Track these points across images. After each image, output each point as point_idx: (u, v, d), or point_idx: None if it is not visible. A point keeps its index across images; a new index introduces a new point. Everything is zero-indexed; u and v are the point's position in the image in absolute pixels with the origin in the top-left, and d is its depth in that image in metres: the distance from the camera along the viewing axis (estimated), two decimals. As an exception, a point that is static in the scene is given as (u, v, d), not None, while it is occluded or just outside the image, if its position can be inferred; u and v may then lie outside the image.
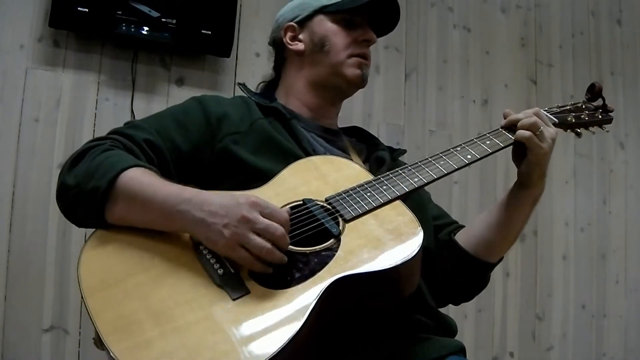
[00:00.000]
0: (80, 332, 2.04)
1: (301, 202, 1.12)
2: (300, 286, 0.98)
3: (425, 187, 1.20)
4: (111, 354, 0.89)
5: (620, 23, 3.19)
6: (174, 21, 2.18)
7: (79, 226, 1.17)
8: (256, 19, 2.45)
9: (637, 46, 3.21)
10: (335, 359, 1.06)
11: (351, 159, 1.29)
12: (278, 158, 1.21)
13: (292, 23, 1.40)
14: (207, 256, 1.02)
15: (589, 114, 1.37)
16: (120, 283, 0.99)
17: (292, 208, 1.10)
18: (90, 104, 2.17)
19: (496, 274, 1.75)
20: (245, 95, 1.39)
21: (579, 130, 1.37)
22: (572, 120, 1.35)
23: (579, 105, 1.39)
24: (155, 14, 2.14)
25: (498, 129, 1.26)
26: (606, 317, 2.93)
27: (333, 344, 1.04)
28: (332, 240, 1.05)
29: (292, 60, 1.41)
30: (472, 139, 1.25)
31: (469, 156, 1.21)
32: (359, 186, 1.14)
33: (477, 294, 1.38)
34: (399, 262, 1.00)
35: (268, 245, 0.99)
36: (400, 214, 1.09)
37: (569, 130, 1.37)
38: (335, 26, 1.37)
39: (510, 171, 2.31)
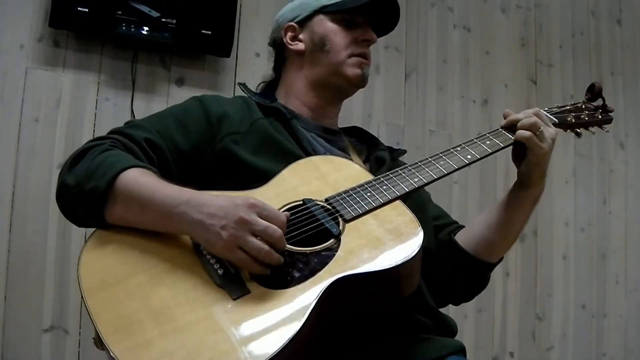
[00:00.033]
0: (80, 332, 2.04)
1: (301, 202, 1.12)
2: (300, 286, 0.98)
3: (425, 187, 1.20)
4: (111, 354, 0.89)
5: (620, 23, 3.19)
6: (174, 21, 2.18)
7: (79, 226, 1.17)
8: (256, 19, 2.45)
9: (637, 46, 3.21)
10: (335, 359, 1.06)
11: (351, 159, 1.29)
12: (278, 158, 1.21)
13: (292, 23, 1.40)
14: (207, 256, 1.02)
15: (588, 114, 1.37)
16: (120, 283, 0.99)
17: (292, 208, 1.11)
18: (90, 104, 2.17)
19: (496, 274, 1.75)
20: (245, 95, 1.39)
21: (578, 130, 1.37)
22: (572, 120, 1.35)
23: (579, 105, 1.39)
24: (155, 14, 2.14)
25: (498, 129, 1.26)
26: (606, 317, 2.93)
27: (333, 344, 1.04)
28: (332, 240, 1.05)
29: (292, 60, 1.41)
30: (472, 139, 1.25)
31: (469, 156, 1.21)
32: (359, 186, 1.14)
33: (477, 294, 1.38)
34: (399, 262, 1.00)
35: (266, 247, 0.99)
36: (400, 214, 1.09)
37: (568, 131, 1.37)
38: (335, 26, 1.37)
39: (510, 171, 2.31)
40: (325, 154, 1.29)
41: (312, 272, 0.99)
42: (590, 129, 1.39)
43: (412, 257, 1.01)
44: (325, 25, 1.37)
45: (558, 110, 1.36)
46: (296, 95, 1.39)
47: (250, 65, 2.42)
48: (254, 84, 1.47)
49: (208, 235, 1.01)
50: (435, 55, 2.78)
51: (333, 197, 1.12)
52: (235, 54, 2.38)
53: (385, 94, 2.65)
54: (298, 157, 1.22)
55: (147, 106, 2.21)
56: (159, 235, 1.06)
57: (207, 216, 1.01)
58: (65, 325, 2.03)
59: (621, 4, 3.21)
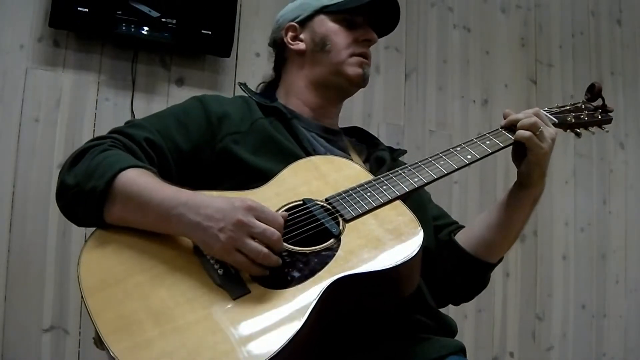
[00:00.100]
0: (80, 332, 2.04)
1: (301, 202, 1.12)
2: (300, 286, 0.98)
3: (425, 187, 1.20)
4: (111, 353, 0.89)
5: (620, 23, 3.19)
6: (174, 21, 2.18)
7: (79, 225, 1.17)
8: (256, 19, 2.45)
9: (637, 46, 3.21)
10: (335, 359, 1.06)
11: (351, 159, 1.29)
12: (278, 158, 1.21)
13: (293, 23, 1.40)
14: (207, 256, 1.02)
15: (588, 114, 1.37)
16: (120, 283, 0.99)
17: (292, 208, 1.11)
18: (90, 104, 2.17)
19: (496, 274, 1.75)
20: (245, 95, 1.39)
21: (578, 131, 1.37)
22: (571, 121, 1.35)
23: (579, 105, 1.39)
24: (155, 14, 2.14)
25: (498, 129, 1.26)
26: (606, 317, 2.93)
27: (333, 344, 1.04)
28: (332, 240, 1.05)
29: (293, 60, 1.41)
30: (472, 139, 1.25)
31: (469, 156, 1.21)
32: (359, 186, 1.14)
33: (477, 294, 1.38)
34: (399, 262, 1.00)
35: (264, 249, 0.99)
36: (400, 214, 1.09)
37: (568, 131, 1.37)
38: (336, 26, 1.37)
39: (510, 171, 2.30)
40: (325, 154, 1.29)
41: (312, 272, 0.99)
42: (590, 129, 1.39)
43: (412, 257, 1.01)
44: (326, 25, 1.37)
45: (558, 110, 1.36)
46: (297, 95, 1.39)
47: (250, 65, 2.42)
48: (254, 84, 1.47)
49: (206, 238, 1.01)
50: (435, 55, 2.78)
51: (333, 197, 1.12)
52: (235, 54, 2.38)
53: (385, 94, 2.65)
54: (298, 157, 1.22)
55: (147, 106, 2.21)
56: (159, 235, 1.06)
57: (205, 218, 1.01)
58: (65, 325, 2.03)
59: (621, 4, 3.21)
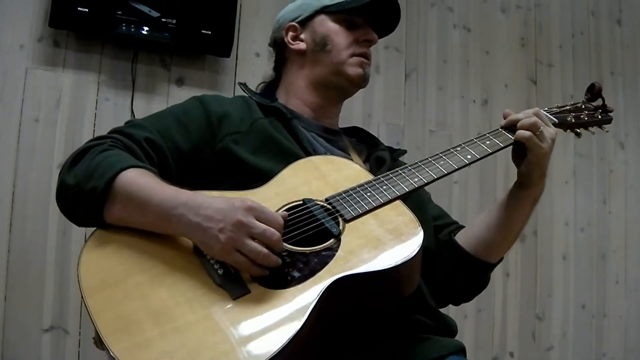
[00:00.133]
0: (80, 332, 2.04)
1: (301, 202, 1.12)
2: (300, 286, 0.98)
3: (425, 187, 1.20)
4: (111, 353, 0.90)
5: (620, 23, 3.19)
6: (174, 21, 2.18)
7: (79, 225, 1.17)
8: (256, 19, 2.45)
9: (637, 46, 3.21)
10: (335, 359, 1.06)
11: (351, 159, 1.29)
12: (278, 158, 1.21)
13: (293, 23, 1.40)
14: (207, 256, 1.02)
15: (588, 114, 1.37)
16: (120, 283, 0.99)
17: (292, 208, 1.11)
18: (90, 104, 2.17)
19: (496, 274, 1.75)
20: (246, 95, 1.39)
21: (578, 131, 1.37)
22: (571, 121, 1.35)
23: (579, 105, 1.39)
24: (155, 14, 2.14)
25: (498, 129, 1.26)
26: (606, 317, 2.93)
27: (333, 344, 1.04)
28: (332, 240, 1.05)
29: (294, 60, 1.41)
30: (472, 139, 1.25)
31: (469, 156, 1.21)
32: (359, 186, 1.14)
33: (477, 294, 1.38)
34: (399, 262, 1.00)
35: (264, 250, 0.99)
36: (400, 214, 1.09)
37: (568, 131, 1.37)
38: (336, 26, 1.37)
39: (510, 171, 2.31)
40: (325, 154, 1.29)
41: (312, 272, 0.99)
42: (590, 129, 1.39)
43: (412, 257, 1.01)
44: (327, 25, 1.37)
45: (558, 110, 1.36)
46: (297, 95, 1.39)
47: (250, 65, 2.42)
48: (254, 84, 1.47)
49: (206, 238, 1.01)
50: (435, 55, 2.78)
51: (333, 197, 1.12)
52: (235, 54, 2.38)
53: (385, 94, 2.65)
54: (298, 157, 1.22)
55: (147, 106, 2.21)
56: (159, 235, 1.06)
57: (205, 219, 1.01)
58: (65, 325, 2.03)
59: (621, 4, 3.21)
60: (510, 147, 1.24)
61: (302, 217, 1.09)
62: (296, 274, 1.00)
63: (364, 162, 1.37)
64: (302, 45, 1.39)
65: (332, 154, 1.30)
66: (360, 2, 1.35)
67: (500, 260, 1.34)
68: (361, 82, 1.37)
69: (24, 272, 2.01)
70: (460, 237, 1.32)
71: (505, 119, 1.26)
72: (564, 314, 2.85)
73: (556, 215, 2.90)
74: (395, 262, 1.00)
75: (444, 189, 2.63)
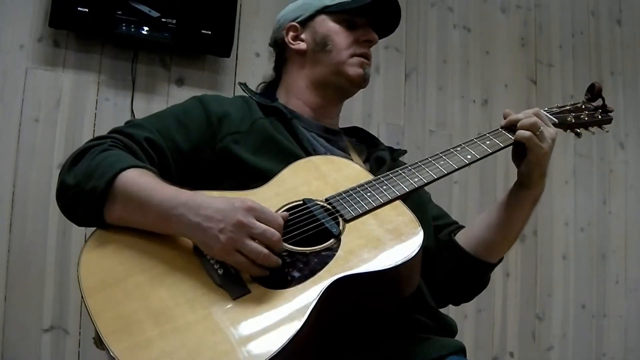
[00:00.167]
0: (80, 332, 2.04)
1: (301, 202, 1.12)
2: (300, 286, 0.98)
3: (425, 187, 1.20)
4: (111, 353, 0.90)
5: (620, 23, 3.19)
6: (174, 21, 2.18)
7: (79, 225, 1.17)
8: (256, 19, 2.45)
9: (637, 46, 3.21)
10: (335, 359, 1.06)
11: (351, 159, 1.29)
12: (278, 158, 1.21)
13: (294, 23, 1.41)
14: (208, 256, 1.02)
15: (588, 114, 1.37)
16: (120, 283, 0.99)
17: (292, 208, 1.11)
18: (90, 104, 2.17)
19: (496, 274, 1.75)
20: (246, 95, 1.39)
21: (578, 131, 1.37)
22: (571, 121, 1.35)
23: (579, 105, 1.39)
24: (155, 14, 2.14)
25: (498, 129, 1.26)
26: (606, 317, 2.93)
27: (333, 344, 1.04)
28: (332, 240, 1.05)
29: (294, 60, 1.41)
30: (472, 139, 1.25)
31: (469, 156, 1.21)
32: (359, 186, 1.14)
33: (477, 294, 1.38)
34: (399, 262, 1.00)
35: (265, 250, 0.99)
36: (400, 214, 1.09)
37: (568, 131, 1.37)
38: (337, 26, 1.37)
39: (510, 171, 2.31)
40: (325, 153, 1.29)
41: (312, 272, 0.99)
42: (590, 129, 1.39)
43: (412, 257, 1.01)
44: (328, 25, 1.38)
45: (558, 110, 1.36)
46: (297, 95, 1.39)
47: (250, 65, 2.42)
48: (254, 84, 1.47)
49: (206, 238, 1.01)
50: (435, 55, 2.78)
51: (333, 197, 1.12)
52: (235, 54, 2.38)
53: (385, 94, 2.65)
54: (298, 157, 1.22)
55: (147, 106, 2.21)
56: (159, 235, 1.06)
57: (205, 219, 1.01)
58: (65, 325, 2.03)
59: (621, 4, 3.21)
60: (510, 147, 1.24)
61: (302, 217, 1.09)
62: (296, 274, 1.00)
63: (364, 162, 1.37)
64: (302, 45, 1.39)
65: (332, 154, 1.30)
66: (361, 3, 1.35)
67: (501, 260, 1.34)
68: (361, 82, 1.37)
69: (24, 272, 2.01)
70: (460, 237, 1.32)
71: (505, 119, 1.26)
72: (564, 314, 2.85)
73: (556, 215, 2.90)
74: (396, 262, 1.00)
75: (444, 189, 2.63)
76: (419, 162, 1.20)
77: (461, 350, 1.17)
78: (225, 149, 1.22)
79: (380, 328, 1.11)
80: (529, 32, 2.98)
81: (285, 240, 1.04)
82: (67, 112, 2.14)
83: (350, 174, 1.19)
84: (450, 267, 1.31)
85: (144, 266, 1.02)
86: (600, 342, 2.90)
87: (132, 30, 2.12)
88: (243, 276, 1.00)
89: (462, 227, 1.37)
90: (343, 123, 1.48)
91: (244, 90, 1.41)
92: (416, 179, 1.16)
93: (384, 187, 1.14)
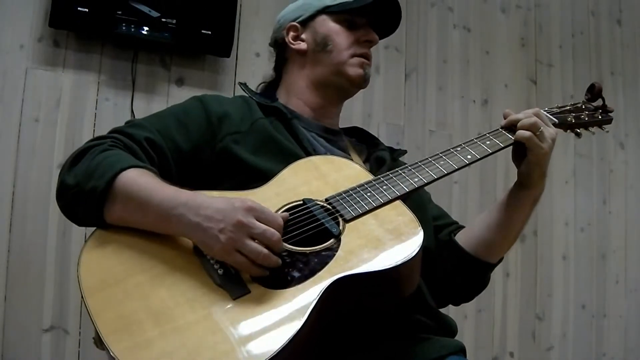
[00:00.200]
0: (80, 332, 2.04)
1: (301, 202, 1.12)
2: (300, 286, 0.98)
3: (425, 187, 1.20)
4: (111, 353, 0.90)
5: (620, 23, 3.19)
6: (174, 21, 2.18)
7: (79, 225, 1.17)
8: (256, 19, 2.45)
9: (637, 46, 3.21)
10: (335, 359, 1.06)
11: (351, 159, 1.29)
12: (278, 158, 1.21)
13: (294, 23, 1.41)
14: (208, 256, 1.02)
15: (588, 114, 1.37)
16: (120, 283, 0.99)
17: (292, 208, 1.11)
18: (90, 104, 2.17)
19: (496, 274, 1.75)
20: (246, 95, 1.39)
21: (578, 131, 1.37)
22: (572, 121, 1.35)
23: (579, 105, 1.39)
24: (155, 14, 2.14)
25: (498, 129, 1.26)
26: (606, 317, 2.93)
27: (333, 344, 1.04)
28: (332, 240, 1.05)
29: (294, 60, 1.41)
30: (472, 139, 1.25)
31: (469, 156, 1.21)
32: (359, 186, 1.14)
33: (477, 294, 1.38)
34: (399, 262, 1.00)
35: (264, 250, 0.99)
36: (400, 214, 1.09)
37: (568, 131, 1.37)
38: (338, 26, 1.37)
39: (510, 171, 2.31)
40: (325, 153, 1.29)
41: (312, 272, 0.99)
42: (590, 129, 1.39)
43: (412, 257, 1.01)
44: (328, 25, 1.38)
45: (558, 110, 1.36)
46: (297, 95, 1.39)
47: (250, 65, 2.42)
48: (254, 84, 1.47)
49: (206, 238, 1.01)
50: (435, 55, 2.78)
51: (333, 197, 1.12)
52: (235, 54, 2.38)
53: (385, 94, 2.65)
54: (298, 157, 1.22)
55: (147, 106, 2.21)
56: (159, 235, 1.06)
57: (205, 219, 1.01)
58: (65, 325, 2.03)
59: (621, 4, 3.21)
60: (510, 147, 1.24)
61: (302, 217, 1.09)
62: (296, 274, 1.00)
63: (364, 162, 1.37)
64: (302, 45, 1.39)
65: (332, 154, 1.30)
66: (361, 3, 1.35)
67: (500, 260, 1.34)
68: (361, 82, 1.37)
69: (24, 272, 2.01)
70: (460, 237, 1.32)
71: (505, 119, 1.26)
72: (564, 314, 2.85)
73: (556, 215, 2.90)
74: (396, 262, 1.00)
75: (444, 189, 2.63)
76: (419, 162, 1.20)
77: (461, 350, 1.17)
78: (225, 149, 1.22)
79: (380, 328, 1.11)
80: (529, 32, 2.98)
81: (285, 241, 1.04)
82: (67, 112, 2.14)
83: (350, 174, 1.19)
84: (450, 267, 1.31)
85: (144, 266, 1.02)
86: (600, 342, 2.90)
87: (132, 30, 2.12)
88: (243, 276, 1.00)
89: (462, 227, 1.37)
90: (343, 123, 1.48)
91: (244, 90, 1.41)
92: (416, 179, 1.16)
93: (384, 187, 1.14)
